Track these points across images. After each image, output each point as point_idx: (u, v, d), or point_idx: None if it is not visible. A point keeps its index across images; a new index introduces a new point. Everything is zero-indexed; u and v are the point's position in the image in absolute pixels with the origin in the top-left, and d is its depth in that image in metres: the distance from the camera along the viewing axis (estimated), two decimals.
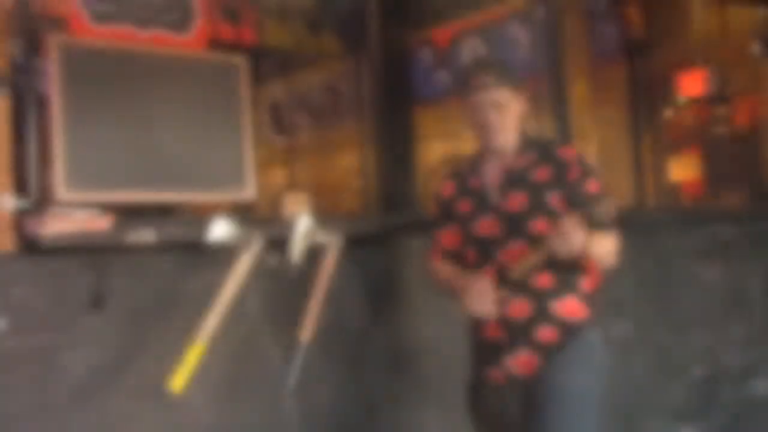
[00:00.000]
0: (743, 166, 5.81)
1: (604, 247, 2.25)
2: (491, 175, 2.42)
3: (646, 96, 5.45)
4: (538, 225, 2.28)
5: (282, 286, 2.86)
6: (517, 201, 2.33)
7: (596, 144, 4.00)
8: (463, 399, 2.54)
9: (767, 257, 4.56)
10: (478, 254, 2.39)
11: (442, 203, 2.54)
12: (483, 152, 2.47)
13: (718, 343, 4.27)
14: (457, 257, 2.48)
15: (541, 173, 2.34)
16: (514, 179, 2.37)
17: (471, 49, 4.25)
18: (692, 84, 5.05)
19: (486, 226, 2.37)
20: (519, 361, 2.33)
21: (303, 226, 2.76)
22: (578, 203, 2.22)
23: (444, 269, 2.49)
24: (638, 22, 5.54)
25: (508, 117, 2.38)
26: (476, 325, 2.40)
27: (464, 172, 2.52)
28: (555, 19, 3.91)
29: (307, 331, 2.69)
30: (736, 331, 4.34)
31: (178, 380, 2.35)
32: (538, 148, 2.41)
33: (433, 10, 4.21)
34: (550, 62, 3.92)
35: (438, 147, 4.36)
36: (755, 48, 5.05)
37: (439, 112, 4.31)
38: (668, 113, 6.51)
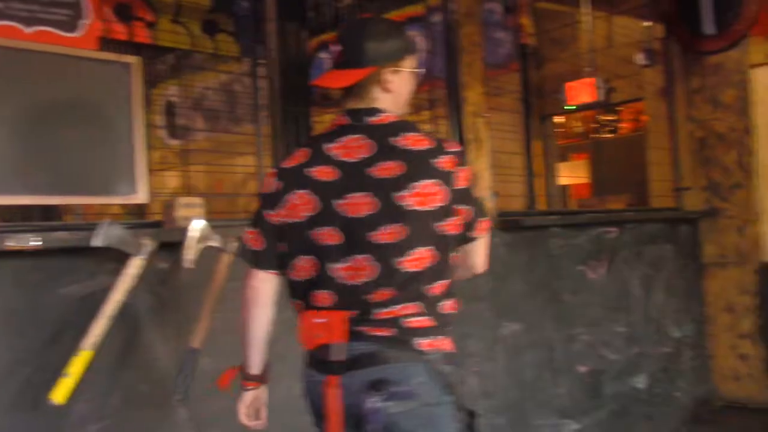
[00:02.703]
0: (628, 170, 6.11)
1: None
2: None
3: (537, 103, 5.66)
4: None
5: (174, 292, 2.82)
6: None
7: (490, 148, 4.11)
8: None
9: (648, 258, 4.81)
10: None
11: None
12: None
13: (601, 341, 4.46)
14: None
15: None
16: None
17: None
18: (580, 92, 5.26)
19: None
20: None
21: (196, 231, 2.74)
22: None
23: None
24: (531, 32, 5.74)
25: None
26: None
27: None
28: (452, 26, 3.98)
29: (199, 337, 2.68)
30: (618, 329, 4.56)
31: (62, 390, 2.29)
32: None
33: (335, 14, 4.23)
34: (447, 68, 3.99)
35: None
36: (639, 58, 5.31)
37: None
38: (558, 120, 6.77)
